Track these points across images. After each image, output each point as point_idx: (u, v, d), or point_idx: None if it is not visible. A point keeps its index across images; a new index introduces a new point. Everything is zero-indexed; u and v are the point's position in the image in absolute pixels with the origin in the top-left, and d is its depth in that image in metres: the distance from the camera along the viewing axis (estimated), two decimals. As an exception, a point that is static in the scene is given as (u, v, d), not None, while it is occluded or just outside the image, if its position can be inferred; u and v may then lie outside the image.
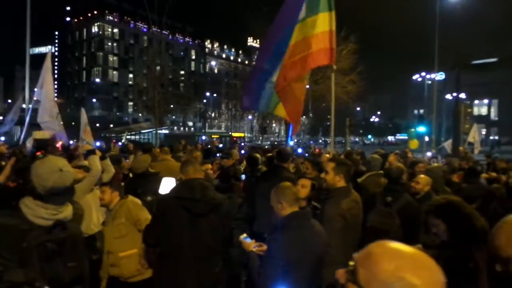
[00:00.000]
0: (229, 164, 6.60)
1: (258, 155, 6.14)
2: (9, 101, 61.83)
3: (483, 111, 69.64)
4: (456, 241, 2.32)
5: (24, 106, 14.67)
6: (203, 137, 41.40)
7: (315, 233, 2.75)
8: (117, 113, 74.91)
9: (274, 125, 75.01)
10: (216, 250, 3.12)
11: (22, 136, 10.03)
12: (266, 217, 3.87)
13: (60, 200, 2.11)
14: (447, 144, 17.08)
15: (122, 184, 4.40)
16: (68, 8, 78.76)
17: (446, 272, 2.48)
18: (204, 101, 64.90)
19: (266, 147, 22.20)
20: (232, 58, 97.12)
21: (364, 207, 3.61)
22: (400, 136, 73.87)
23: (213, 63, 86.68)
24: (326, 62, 5.68)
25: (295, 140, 38.37)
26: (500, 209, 3.93)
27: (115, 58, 78.69)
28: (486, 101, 68.93)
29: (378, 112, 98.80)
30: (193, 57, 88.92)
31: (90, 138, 4.57)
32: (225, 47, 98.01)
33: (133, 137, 34.14)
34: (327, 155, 7.11)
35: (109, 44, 78.49)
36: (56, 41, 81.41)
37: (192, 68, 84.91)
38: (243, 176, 5.79)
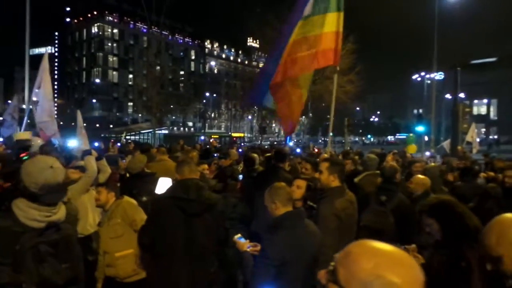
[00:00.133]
0: (226, 164, 6.62)
1: (255, 155, 6.13)
2: (9, 102, 61.68)
3: (483, 110, 69.75)
4: (449, 241, 2.33)
5: (24, 106, 14.63)
6: (202, 137, 41.37)
7: (309, 233, 2.75)
8: (117, 114, 74.81)
9: (273, 125, 74.94)
10: (211, 250, 3.12)
11: None
12: (263, 217, 3.87)
13: (53, 199, 2.08)
14: (446, 144, 17.05)
15: (118, 184, 4.39)
16: (68, 9, 78.79)
17: (439, 271, 2.47)
18: (204, 101, 64.77)
19: (266, 147, 22.21)
20: (231, 58, 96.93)
21: (359, 206, 3.60)
22: (399, 136, 73.83)
23: (212, 63, 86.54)
24: (331, 63, 5.65)
25: (295, 140, 38.39)
26: (496, 208, 3.93)
27: (115, 58, 78.62)
28: (485, 100, 69.05)
29: (378, 112, 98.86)
30: (193, 57, 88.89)
31: (86, 143, 4.56)
32: (225, 47, 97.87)
33: (132, 137, 34.10)
34: (326, 155, 7.10)
35: (109, 44, 78.43)
36: (56, 41, 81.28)
37: (192, 68, 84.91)
38: (241, 176, 5.79)
